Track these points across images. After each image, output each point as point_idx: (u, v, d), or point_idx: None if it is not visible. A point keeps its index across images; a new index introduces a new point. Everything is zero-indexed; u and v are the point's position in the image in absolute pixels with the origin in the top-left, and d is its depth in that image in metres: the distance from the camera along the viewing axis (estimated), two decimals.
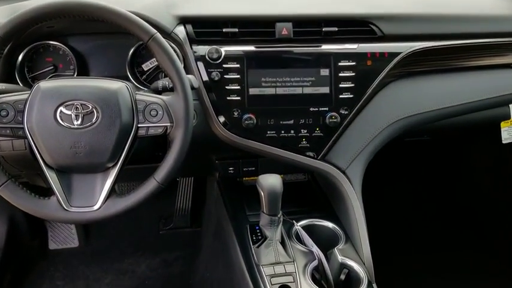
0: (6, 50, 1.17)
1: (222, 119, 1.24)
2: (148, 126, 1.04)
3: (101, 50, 1.33)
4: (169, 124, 1.04)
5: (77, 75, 1.30)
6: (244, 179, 1.54)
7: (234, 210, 1.39)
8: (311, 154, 1.28)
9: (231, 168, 1.42)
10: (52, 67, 1.31)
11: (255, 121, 1.24)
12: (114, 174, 1.04)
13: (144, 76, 1.34)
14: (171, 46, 1.25)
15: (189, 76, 1.09)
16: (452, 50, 1.33)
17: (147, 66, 1.33)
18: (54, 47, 1.30)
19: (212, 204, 1.71)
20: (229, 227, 1.36)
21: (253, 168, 1.43)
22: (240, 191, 1.48)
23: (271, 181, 1.17)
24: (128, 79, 1.30)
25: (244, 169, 1.42)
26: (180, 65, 1.04)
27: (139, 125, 1.04)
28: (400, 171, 2.19)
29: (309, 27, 1.28)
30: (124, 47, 1.32)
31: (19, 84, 1.25)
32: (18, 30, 0.99)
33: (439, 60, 1.34)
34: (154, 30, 1.02)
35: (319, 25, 1.28)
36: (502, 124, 1.42)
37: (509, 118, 1.41)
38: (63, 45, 1.29)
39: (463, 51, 1.34)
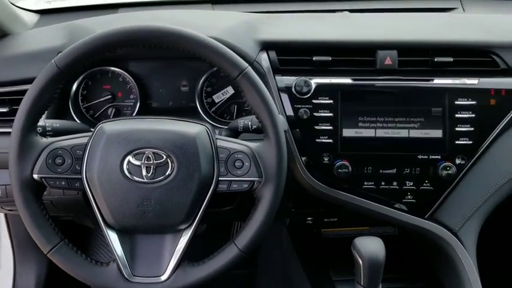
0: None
1: (308, 164, 1.03)
2: (231, 180, 0.85)
3: (165, 76, 1.15)
4: (257, 179, 0.84)
5: (139, 106, 1.11)
6: (322, 230, 1.31)
7: (313, 269, 1.17)
8: (417, 212, 1.05)
9: (309, 218, 1.20)
10: (110, 96, 1.13)
11: (349, 169, 1.02)
12: (188, 237, 0.85)
13: (214, 108, 1.14)
14: None
15: (280, 117, 0.89)
16: None
17: (218, 97, 1.13)
18: (113, 73, 1.13)
19: (274, 250, 1.49)
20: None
21: (336, 219, 1.21)
22: (318, 245, 1.26)
23: (373, 248, 0.94)
24: (195, 111, 1.11)
25: (325, 220, 1.20)
26: (274, 106, 0.84)
27: (220, 179, 0.84)
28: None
29: (418, 57, 1.06)
30: (192, 74, 1.13)
31: (74, 118, 1.07)
32: (81, 62, 0.81)
33: None
34: (245, 64, 0.83)
35: (429, 54, 1.05)
36: None
37: None
38: (123, 71, 1.11)
39: None
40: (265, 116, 0.83)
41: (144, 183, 0.80)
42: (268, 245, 1.69)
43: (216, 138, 0.86)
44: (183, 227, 0.84)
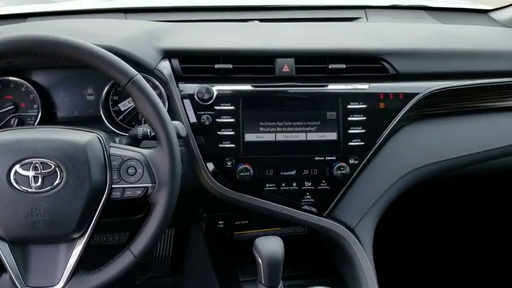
0: None
1: (212, 169, 1.06)
2: (125, 187, 0.86)
3: (69, 86, 1.15)
4: (150, 185, 0.86)
5: (41, 116, 1.10)
6: (235, 233, 1.35)
7: (224, 271, 1.20)
8: (315, 210, 1.10)
9: (221, 222, 1.23)
10: (12, 106, 1.11)
11: (251, 172, 1.06)
12: (81, 246, 0.85)
13: (121, 117, 1.15)
14: (155, 85, 1.08)
15: (175, 123, 0.91)
16: (474, 90, 1.18)
17: (124, 105, 1.14)
18: (15, 83, 1.11)
19: (196, 256, 1.51)
20: None
21: (247, 222, 1.24)
22: (230, 247, 1.29)
23: (271, 247, 0.97)
24: (100, 121, 1.11)
25: (236, 223, 1.24)
26: (165, 113, 0.86)
27: (113, 186, 0.85)
28: (408, 221, 2.01)
29: (314, 64, 1.11)
30: (98, 82, 1.13)
31: None
32: None
33: (460, 102, 1.19)
34: (134, 72, 0.84)
35: (324, 61, 1.12)
36: None
37: None
38: (25, 81, 1.10)
39: (486, 91, 1.20)
40: (156, 122, 0.85)
41: (33, 193, 0.80)
42: (191, 251, 1.71)
43: (110, 146, 0.87)
44: (76, 235, 0.84)
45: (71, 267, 0.84)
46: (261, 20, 1.44)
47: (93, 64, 0.83)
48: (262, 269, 0.98)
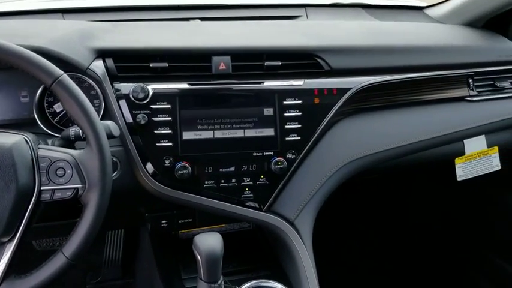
0: None
1: (150, 169, 1.06)
2: (54, 189, 0.85)
3: (3, 88, 1.11)
4: (80, 186, 0.85)
5: None
6: (180, 231, 1.35)
7: (168, 271, 1.20)
8: (255, 205, 1.12)
9: (164, 221, 1.23)
10: None
11: (190, 170, 1.07)
12: (11, 250, 0.83)
13: (57, 118, 1.13)
14: (91, 85, 1.06)
15: (107, 122, 0.91)
16: (404, 84, 1.23)
17: (59, 107, 1.12)
18: None
19: (144, 258, 1.50)
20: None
21: (191, 220, 1.25)
22: (175, 247, 1.29)
23: (209, 243, 0.99)
24: (35, 124, 1.09)
25: (180, 221, 1.24)
26: (93, 112, 0.85)
27: (42, 188, 0.84)
28: (347, 213, 2.06)
29: (250, 61, 1.13)
30: (32, 84, 1.10)
31: None
32: None
33: (391, 95, 1.24)
34: (59, 72, 0.83)
35: (261, 59, 1.14)
36: (457, 161, 1.33)
37: (463, 154, 1.33)
38: None
39: (415, 84, 1.25)
40: (83, 122, 0.84)
41: None
42: (141, 252, 1.70)
43: (38, 148, 0.86)
44: (5, 239, 0.83)
45: (1, 272, 0.82)
46: (203, 19, 1.44)
47: (17, 65, 0.82)
48: (201, 265, 0.99)
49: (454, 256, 1.89)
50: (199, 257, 0.99)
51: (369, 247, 2.04)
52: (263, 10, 1.58)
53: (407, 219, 2.06)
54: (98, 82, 1.06)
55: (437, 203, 1.94)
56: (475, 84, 1.33)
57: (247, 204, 1.11)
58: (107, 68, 1.06)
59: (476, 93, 1.33)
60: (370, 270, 1.94)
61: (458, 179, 1.34)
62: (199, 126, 1.09)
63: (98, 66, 1.05)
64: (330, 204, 1.26)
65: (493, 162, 1.34)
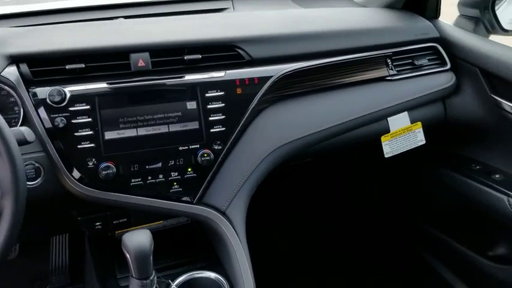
0: None
1: (74, 172, 1.05)
2: None
3: None
4: None
5: None
6: (116, 232, 1.34)
7: (103, 272, 1.19)
8: (186, 199, 1.13)
9: (98, 223, 1.22)
10: None
11: (114, 170, 1.06)
12: None
13: None
14: (9, 93, 1.04)
15: (21, 128, 0.90)
16: (325, 68, 1.26)
17: None
18: None
19: (89, 261, 1.49)
20: None
21: (126, 219, 1.24)
22: (111, 247, 1.29)
23: (137, 240, 0.99)
24: None
25: (114, 222, 1.23)
26: (1, 120, 0.84)
27: None
28: (285, 198, 2.09)
29: (170, 57, 1.13)
30: None
31: None
32: None
33: (313, 81, 1.26)
34: None
35: (181, 53, 1.14)
36: (383, 138, 1.38)
37: (389, 132, 1.38)
38: None
39: (336, 68, 1.28)
40: None
41: None
42: (87, 256, 1.67)
43: None
44: None
45: None
46: (127, 17, 1.43)
47: None
48: (130, 262, 1.00)
49: (397, 233, 1.96)
50: (128, 255, 0.99)
51: (309, 232, 2.08)
52: (189, 5, 1.59)
53: (346, 201, 2.11)
54: (14, 88, 1.03)
55: (374, 183, 2.00)
56: (394, 63, 1.37)
57: (177, 198, 1.12)
58: (21, 73, 1.04)
59: (396, 73, 1.37)
60: (311, 256, 1.98)
61: (386, 155, 1.39)
62: (121, 125, 1.08)
63: (11, 73, 1.03)
64: (265, 192, 1.28)
65: (418, 137, 1.40)
